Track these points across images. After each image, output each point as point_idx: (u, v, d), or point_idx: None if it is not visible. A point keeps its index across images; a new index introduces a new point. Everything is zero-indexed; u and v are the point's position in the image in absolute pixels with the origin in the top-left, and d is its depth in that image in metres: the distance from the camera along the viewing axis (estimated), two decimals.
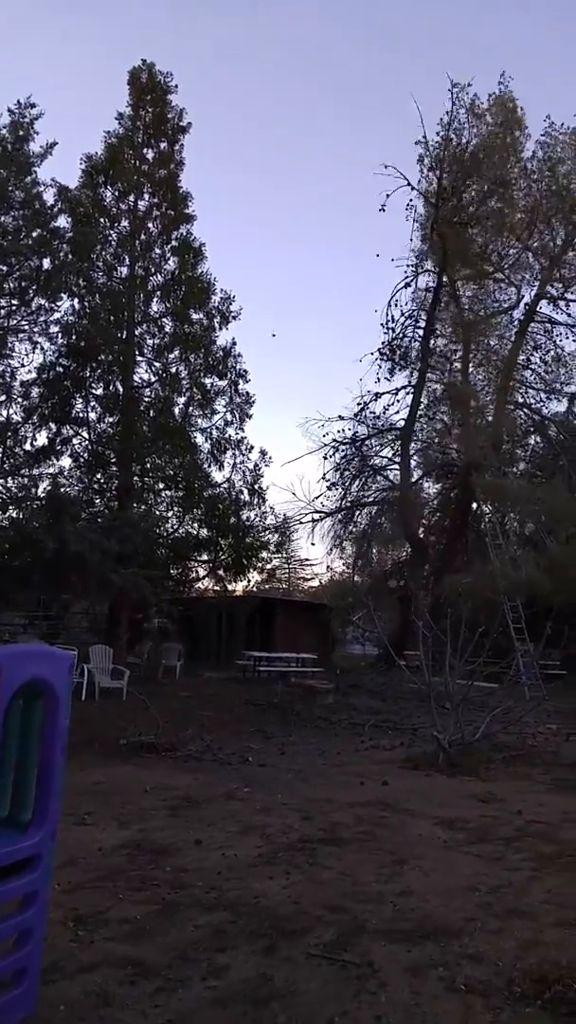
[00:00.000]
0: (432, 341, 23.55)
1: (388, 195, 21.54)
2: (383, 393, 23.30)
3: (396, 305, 23.12)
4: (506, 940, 3.69)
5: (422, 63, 53.93)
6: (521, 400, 23.76)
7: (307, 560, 46.12)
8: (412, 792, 7.45)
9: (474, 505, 22.82)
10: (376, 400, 23.23)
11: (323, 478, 23.36)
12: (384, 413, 23.67)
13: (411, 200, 22.11)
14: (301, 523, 23.49)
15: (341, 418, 23.15)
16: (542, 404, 24.05)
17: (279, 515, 22.62)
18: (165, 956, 3.36)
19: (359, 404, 23.24)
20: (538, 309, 22.89)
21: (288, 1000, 3.00)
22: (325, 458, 23.30)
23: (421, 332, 23.20)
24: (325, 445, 23.18)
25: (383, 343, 23.16)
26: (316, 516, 23.41)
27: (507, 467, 22.60)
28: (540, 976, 3.19)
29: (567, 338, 23.18)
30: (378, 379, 24.85)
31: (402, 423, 23.23)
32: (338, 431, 23.28)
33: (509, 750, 9.67)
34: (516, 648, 16.55)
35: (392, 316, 22.91)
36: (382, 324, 22.97)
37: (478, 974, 3.28)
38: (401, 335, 23.12)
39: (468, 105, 21.66)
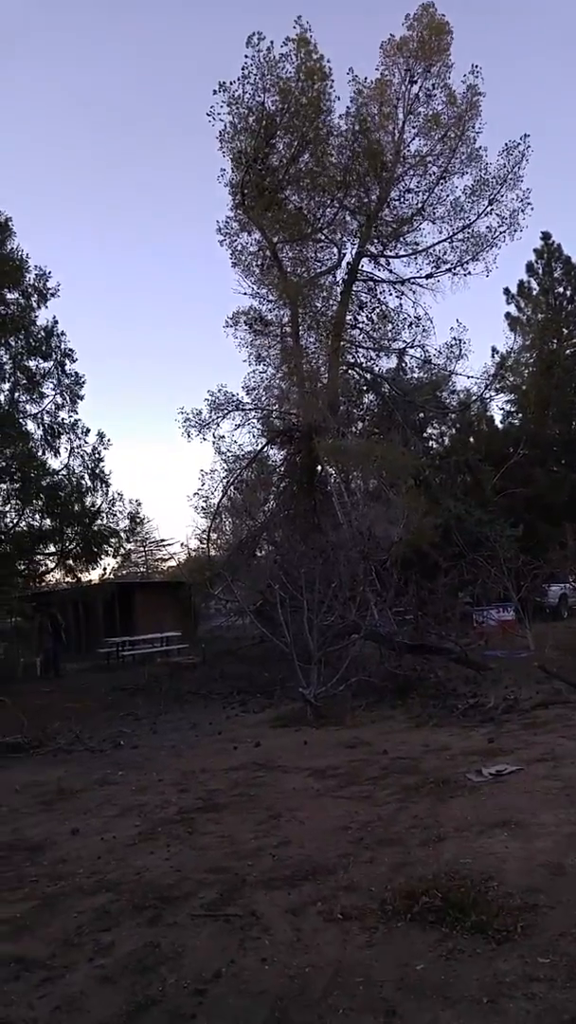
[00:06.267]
0: (262, 306, 23.60)
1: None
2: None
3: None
4: (378, 867, 3.95)
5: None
6: (352, 360, 24.32)
7: (163, 541, 46.02)
8: (284, 749, 7.71)
9: (319, 468, 23.29)
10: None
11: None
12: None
13: (223, 169, 21.77)
14: None
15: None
16: (373, 362, 24.77)
17: (132, 500, 21.94)
18: (48, 947, 3.33)
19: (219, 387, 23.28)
20: (360, 267, 23.24)
21: (176, 962, 3.07)
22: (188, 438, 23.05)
23: (251, 298, 23.26)
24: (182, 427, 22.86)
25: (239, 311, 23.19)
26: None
27: (345, 428, 23.12)
28: (409, 892, 3.45)
29: (390, 295, 23.94)
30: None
31: (245, 395, 23.42)
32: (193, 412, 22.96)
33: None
34: (370, 599, 17.22)
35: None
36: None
37: (354, 901, 3.50)
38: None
39: (265, 60, 20.20)
